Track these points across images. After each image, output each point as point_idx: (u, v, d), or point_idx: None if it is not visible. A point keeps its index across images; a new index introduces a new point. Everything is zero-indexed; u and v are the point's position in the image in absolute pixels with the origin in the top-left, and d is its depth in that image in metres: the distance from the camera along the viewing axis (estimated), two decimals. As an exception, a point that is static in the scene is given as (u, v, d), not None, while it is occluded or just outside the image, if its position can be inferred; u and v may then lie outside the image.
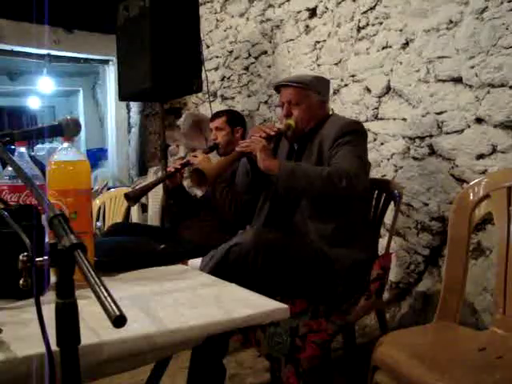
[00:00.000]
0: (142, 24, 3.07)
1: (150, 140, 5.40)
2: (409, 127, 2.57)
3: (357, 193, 1.89)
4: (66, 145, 1.25)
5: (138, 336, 0.86)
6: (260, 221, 2.17)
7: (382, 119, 2.75)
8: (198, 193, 3.56)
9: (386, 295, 2.56)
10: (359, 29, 2.85)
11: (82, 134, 7.52)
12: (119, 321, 0.53)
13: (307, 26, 3.24)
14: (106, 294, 0.55)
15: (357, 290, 1.93)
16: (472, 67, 2.23)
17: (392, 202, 2.16)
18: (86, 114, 7.90)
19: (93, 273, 0.57)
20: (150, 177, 4.51)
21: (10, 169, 1.33)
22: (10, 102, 9.49)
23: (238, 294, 1.16)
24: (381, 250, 2.20)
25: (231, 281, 1.26)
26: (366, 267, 1.95)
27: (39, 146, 7.51)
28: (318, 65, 3.17)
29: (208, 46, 4.34)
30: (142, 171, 5.40)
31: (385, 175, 2.72)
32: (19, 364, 0.76)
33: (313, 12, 3.19)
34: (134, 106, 5.55)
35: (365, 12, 2.80)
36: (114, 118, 5.68)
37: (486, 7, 2.15)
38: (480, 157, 2.24)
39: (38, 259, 0.70)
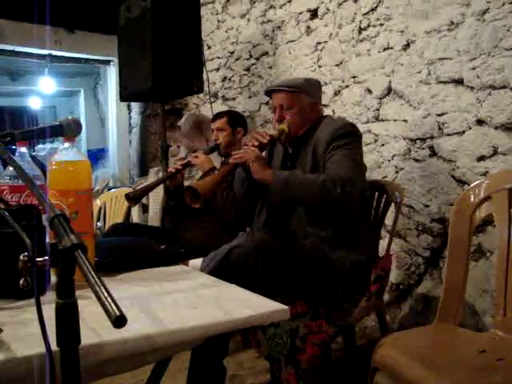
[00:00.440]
0: (143, 24, 3.08)
1: (151, 140, 5.40)
2: (410, 128, 2.57)
3: (352, 199, 1.88)
4: (66, 145, 1.25)
5: (138, 336, 0.86)
6: (259, 225, 2.17)
7: (382, 120, 2.75)
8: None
9: (386, 297, 2.56)
10: (360, 30, 2.85)
11: (83, 134, 7.53)
12: (119, 321, 0.53)
13: (308, 27, 3.24)
14: (106, 294, 0.55)
15: (357, 292, 1.93)
16: (473, 69, 2.23)
17: (393, 204, 2.16)
18: (86, 115, 7.90)
19: (93, 273, 0.57)
20: (151, 177, 4.51)
21: (10, 169, 1.33)
22: (11, 102, 9.49)
23: (238, 295, 1.16)
24: (381, 252, 2.20)
25: (232, 282, 1.26)
26: (367, 268, 1.95)
27: (40, 146, 7.52)
28: (319, 66, 3.17)
29: (209, 47, 4.34)
30: (143, 172, 5.40)
31: (385, 176, 2.72)
32: (19, 364, 0.76)
33: (314, 13, 3.19)
34: (135, 107, 5.56)
35: (366, 13, 2.80)
36: (115, 119, 5.68)
37: (488, 9, 2.15)
38: (481, 158, 2.23)
39: (38, 259, 0.70)
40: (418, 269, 2.57)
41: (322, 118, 2.16)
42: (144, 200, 4.05)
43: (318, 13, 3.15)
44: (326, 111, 3.04)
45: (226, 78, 4.19)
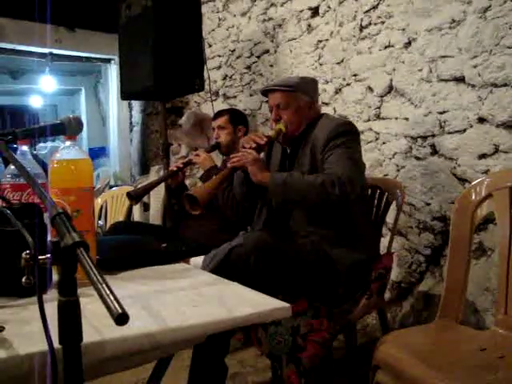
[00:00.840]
0: (144, 23, 3.07)
1: (152, 139, 5.40)
2: (411, 127, 2.57)
3: (352, 199, 1.87)
4: (68, 143, 1.25)
5: (139, 334, 0.86)
6: (259, 225, 2.17)
7: (384, 119, 2.75)
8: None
9: (387, 295, 2.56)
10: (361, 28, 2.85)
11: (84, 132, 7.54)
12: (121, 318, 0.53)
13: (309, 25, 3.24)
14: (108, 292, 0.55)
15: (358, 290, 1.93)
16: (475, 67, 2.23)
17: (394, 202, 2.16)
18: (87, 113, 7.90)
19: (95, 271, 0.57)
20: (152, 176, 4.52)
21: (12, 167, 1.33)
22: (12, 101, 9.50)
23: (239, 293, 1.16)
24: (382, 250, 2.20)
25: (233, 281, 1.26)
26: (368, 267, 1.95)
27: (41, 144, 7.52)
28: (320, 64, 3.17)
29: (210, 45, 4.34)
30: (144, 170, 5.40)
31: (387, 175, 2.72)
32: (22, 362, 0.76)
33: (315, 11, 3.19)
34: (136, 105, 5.56)
35: (367, 11, 2.80)
36: (116, 117, 5.68)
37: (489, 6, 2.15)
38: (482, 156, 2.23)
39: (40, 257, 0.70)
40: (419, 267, 2.57)
41: (320, 117, 2.15)
42: (145, 198, 4.05)
43: (319, 11, 3.15)
44: (327, 109, 3.05)
45: (226, 76, 4.19)
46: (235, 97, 4.10)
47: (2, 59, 5.78)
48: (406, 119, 2.60)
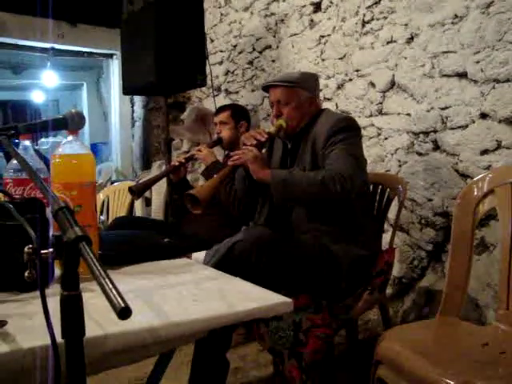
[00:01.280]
0: (146, 18, 3.07)
1: (154, 134, 5.40)
2: (413, 122, 2.56)
3: (353, 195, 1.87)
4: (70, 138, 1.25)
5: (141, 328, 0.87)
6: (261, 221, 2.17)
7: (386, 114, 2.75)
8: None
9: (389, 290, 2.56)
10: (364, 23, 2.84)
11: (86, 128, 7.52)
12: (124, 312, 0.53)
13: (312, 21, 3.23)
14: (110, 286, 0.55)
15: (360, 285, 1.93)
16: (477, 62, 2.22)
17: (396, 197, 2.16)
18: (89, 108, 7.90)
19: (98, 265, 0.58)
20: (154, 171, 4.52)
21: (14, 162, 1.34)
22: (14, 96, 9.50)
23: (241, 288, 1.16)
24: (384, 245, 2.20)
25: (234, 276, 1.26)
26: (369, 262, 1.95)
27: (43, 139, 7.52)
28: (323, 59, 3.16)
29: (212, 40, 4.33)
30: (146, 165, 5.41)
31: (389, 170, 2.72)
32: (24, 356, 0.76)
33: (317, 6, 3.18)
34: (138, 100, 5.55)
35: (370, 6, 2.79)
36: (118, 112, 5.69)
37: (492, 1, 2.14)
38: (484, 152, 2.23)
39: (42, 251, 0.70)
40: (420, 262, 2.57)
41: (321, 112, 2.15)
42: (147, 193, 4.05)
43: (322, 6, 3.14)
44: (329, 105, 3.04)
45: (228, 71, 4.18)
46: (237, 92, 4.10)
47: (4, 54, 5.79)
48: (408, 115, 2.59)
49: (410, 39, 2.56)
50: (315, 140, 2.02)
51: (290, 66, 3.44)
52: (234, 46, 4.08)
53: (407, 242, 2.63)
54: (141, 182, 3.05)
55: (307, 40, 3.28)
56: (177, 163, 2.63)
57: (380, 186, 2.25)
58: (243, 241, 1.78)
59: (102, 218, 3.70)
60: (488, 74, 2.18)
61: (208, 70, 3.35)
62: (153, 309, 0.98)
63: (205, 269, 1.45)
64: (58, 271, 1.08)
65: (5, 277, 1.05)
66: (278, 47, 3.57)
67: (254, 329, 1.84)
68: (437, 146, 2.45)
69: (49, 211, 1.08)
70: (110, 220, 3.27)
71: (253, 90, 3.90)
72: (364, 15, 2.83)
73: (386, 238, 2.28)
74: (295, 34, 3.39)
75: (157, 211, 4.08)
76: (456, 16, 2.31)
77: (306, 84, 2.14)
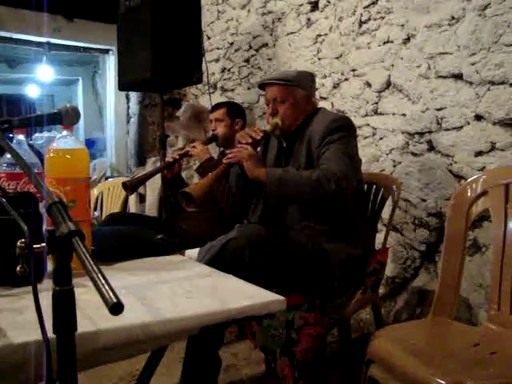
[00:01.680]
0: (143, 14, 3.06)
1: (149, 130, 5.38)
2: (408, 123, 2.57)
3: (347, 195, 1.87)
4: (64, 133, 1.25)
5: (134, 325, 0.86)
6: (255, 219, 2.17)
7: (381, 114, 2.75)
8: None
9: (381, 290, 2.57)
10: (361, 23, 2.84)
11: (81, 123, 7.48)
12: (116, 308, 0.53)
13: (309, 19, 3.23)
14: (103, 281, 0.55)
15: (352, 284, 1.94)
16: (473, 64, 2.23)
17: (389, 197, 2.16)
18: (84, 104, 7.86)
19: (90, 260, 0.57)
20: (149, 167, 4.50)
21: (8, 156, 1.33)
22: (9, 90, 9.43)
23: (234, 285, 1.16)
24: (377, 245, 2.21)
25: (228, 273, 1.26)
26: (363, 261, 1.96)
27: (37, 134, 7.48)
28: (319, 58, 3.16)
29: (209, 38, 4.32)
30: (141, 161, 5.39)
31: (383, 170, 2.73)
32: (16, 351, 0.76)
33: (315, 5, 3.18)
34: (134, 97, 5.53)
35: (367, 6, 2.79)
36: (113, 108, 5.66)
37: (489, 4, 2.15)
38: (479, 154, 2.24)
39: (35, 246, 0.70)
40: (413, 263, 2.58)
41: (316, 111, 2.15)
42: (141, 190, 4.04)
43: (319, 5, 3.14)
44: (325, 104, 3.04)
45: (225, 68, 4.17)
46: (233, 90, 4.09)
47: (-1, 48, 5.75)
48: (404, 115, 2.60)
49: (407, 40, 2.56)
50: (310, 139, 2.02)
51: (287, 64, 3.44)
52: (231, 44, 4.07)
53: (400, 241, 2.64)
54: (135, 177, 3.05)
55: (304, 39, 3.28)
56: (171, 159, 2.62)
57: (374, 186, 2.25)
58: (237, 238, 1.78)
59: (96, 213, 3.68)
60: (483, 75, 2.19)
61: (204, 67, 3.35)
62: (145, 305, 0.98)
63: (198, 266, 1.45)
64: (50, 266, 1.07)
65: (-3, 271, 1.04)
66: (274, 45, 3.57)
67: (246, 326, 1.84)
68: (431, 147, 2.46)
69: (42, 206, 1.08)
70: (104, 216, 3.26)
71: (249, 88, 3.90)
72: (361, 15, 2.83)
73: (379, 237, 2.28)
74: (292, 33, 3.39)
75: (151, 208, 4.07)
76: (453, 17, 2.31)
77: (303, 83, 2.13)
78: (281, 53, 3.51)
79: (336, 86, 3.04)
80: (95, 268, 0.57)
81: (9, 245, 0.81)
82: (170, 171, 2.66)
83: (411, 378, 1.30)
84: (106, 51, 5.56)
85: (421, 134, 2.50)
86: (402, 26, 2.58)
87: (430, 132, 2.45)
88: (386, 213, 2.27)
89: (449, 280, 1.70)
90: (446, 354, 1.41)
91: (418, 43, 2.49)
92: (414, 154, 2.56)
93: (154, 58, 2.98)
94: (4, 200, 0.98)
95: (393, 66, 2.65)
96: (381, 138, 2.75)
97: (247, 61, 3.90)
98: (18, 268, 0.74)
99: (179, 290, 1.11)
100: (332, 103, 3.07)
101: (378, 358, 1.47)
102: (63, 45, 5.26)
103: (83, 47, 5.40)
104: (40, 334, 0.67)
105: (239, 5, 3.93)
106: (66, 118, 1.22)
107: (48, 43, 5.12)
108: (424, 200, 2.50)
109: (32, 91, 9.36)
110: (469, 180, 1.79)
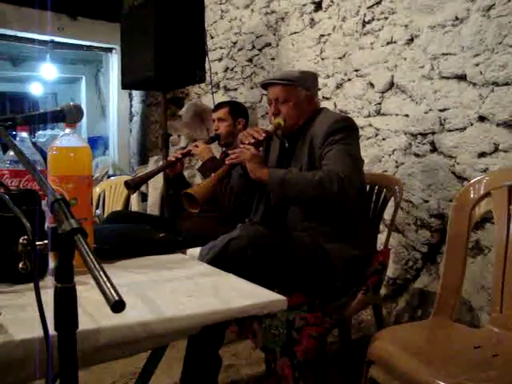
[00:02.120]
0: (146, 13, 3.06)
1: (152, 129, 5.39)
2: (411, 123, 2.56)
3: (349, 196, 1.86)
4: (67, 131, 1.24)
5: (134, 323, 0.86)
6: (257, 219, 2.17)
7: (384, 115, 2.75)
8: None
9: (383, 291, 2.57)
10: (364, 23, 2.84)
11: (84, 121, 7.49)
12: (118, 306, 0.53)
13: (312, 19, 3.23)
14: (105, 279, 0.55)
15: (354, 285, 1.93)
16: (477, 65, 2.22)
17: (392, 198, 2.16)
18: (87, 102, 7.87)
19: (92, 257, 0.57)
20: (151, 166, 4.50)
21: (11, 153, 1.33)
22: (12, 88, 9.45)
23: (235, 285, 1.16)
24: (379, 246, 2.21)
25: (229, 272, 1.26)
26: (364, 262, 1.95)
27: (40, 132, 7.49)
28: (322, 58, 3.16)
29: (212, 37, 4.32)
30: (143, 160, 5.39)
31: (386, 171, 2.72)
32: (17, 347, 0.76)
33: (318, 5, 3.17)
34: (137, 95, 5.54)
35: (370, 6, 2.79)
36: (116, 107, 5.67)
37: (493, 4, 2.14)
38: (482, 155, 2.23)
39: (38, 243, 0.70)
40: (415, 264, 2.57)
41: (319, 111, 2.14)
42: (143, 189, 4.05)
43: (322, 5, 3.14)
44: (328, 104, 3.04)
45: (228, 68, 4.18)
46: (236, 89, 4.09)
47: (3, 46, 5.75)
48: (407, 116, 2.59)
49: (410, 40, 2.56)
50: (313, 139, 2.01)
51: (290, 64, 3.44)
52: (234, 43, 4.07)
53: (402, 243, 2.64)
54: (137, 176, 3.05)
55: (307, 39, 3.27)
56: (173, 158, 2.62)
57: (376, 187, 2.25)
58: (239, 238, 1.78)
59: (98, 212, 3.69)
60: (487, 76, 2.18)
61: (207, 67, 3.35)
62: (146, 303, 0.98)
63: (200, 265, 1.45)
64: (51, 263, 1.07)
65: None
66: (277, 45, 3.57)
67: (247, 326, 1.84)
68: (434, 148, 2.46)
69: (45, 203, 1.08)
70: (106, 214, 3.26)
71: (251, 88, 3.90)
72: (365, 15, 2.83)
73: (381, 238, 2.28)
74: (295, 33, 3.39)
75: (153, 207, 4.08)
76: (457, 18, 2.31)
77: (305, 83, 2.13)
78: (284, 52, 3.50)
79: (339, 86, 3.04)
80: (97, 266, 0.57)
81: (11, 242, 0.81)
82: (172, 170, 2.67)
83: (412, 379, 1.30)
84: (110, 50, 5.56)
85: (424, 134, 2.50)
86: (406, 26, 2.58)
87: (433, 133, 2.45)
88: (388, 214, 2.27)
89: (451, 281, 1.69)
90: (447, 356, 1.41)
91: (421, 44, 2.49)
92: (416, 155, 2.55)
93: (157, 57, 2.98)
94: (7, 197, 0.98)
95: (396, 66, 2.64)
96: (383, 139, 2.75)
97: (250, 60, 3.90)
98: (21, 265, 0.74)
99: (181, 288, 1.11)
100: (335, 103, 3.07)
101: (379, 359, 1.46)
102: (67, 43, 5.27)
103: (86, 46, 5.41)
104: (41, 331, 0.67)
105: (243, 4, 3.93)
106: (68, 116, 1.22)
107: (51, 41, 5.13)
108: (426, 201, 2.50)
109: (35, 89, 9.39)
110: (472, 181, 1.79)
